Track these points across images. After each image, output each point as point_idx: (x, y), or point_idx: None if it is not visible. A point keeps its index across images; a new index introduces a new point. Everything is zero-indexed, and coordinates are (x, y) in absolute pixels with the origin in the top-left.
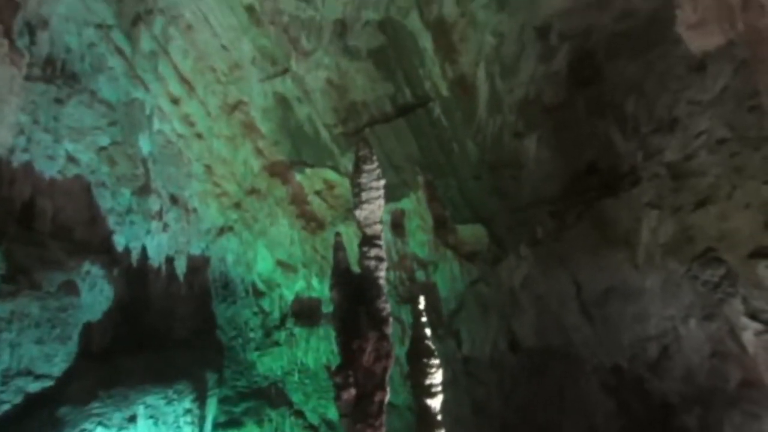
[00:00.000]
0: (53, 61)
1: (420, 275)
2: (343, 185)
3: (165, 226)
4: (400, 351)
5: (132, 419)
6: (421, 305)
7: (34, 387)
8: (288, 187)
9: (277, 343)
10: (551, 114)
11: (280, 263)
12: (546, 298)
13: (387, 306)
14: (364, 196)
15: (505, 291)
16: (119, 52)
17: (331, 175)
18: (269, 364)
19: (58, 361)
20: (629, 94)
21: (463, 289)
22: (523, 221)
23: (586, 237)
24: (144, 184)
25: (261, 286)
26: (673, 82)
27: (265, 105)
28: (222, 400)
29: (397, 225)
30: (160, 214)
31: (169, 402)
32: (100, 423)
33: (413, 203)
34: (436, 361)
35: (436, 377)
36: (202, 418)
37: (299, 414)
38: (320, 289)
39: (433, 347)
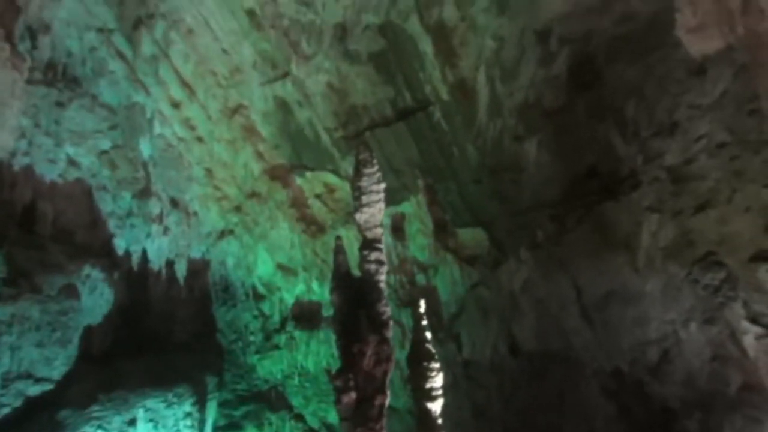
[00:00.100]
0: (54, 65)
1: (420, 279)
2: (344, 189)
3: (165, 230)
4: (400, 354)
5: (132, 423)
6: (422, 309)
7: (34, 390)
8: (288, 191)
9: (277, 347)
10: (551, 118)
11: (280, 266)
12: (546, 302)
13: (387, 309)
14: (365, 199)
15: (506, 294)
16: (120, 56)
17: (331, 178)
18: (269, 368)
19: (58, 364)
20: (629, 97)
21: (464, 293)
22: (524, 225)
23: (586, 241)
24: (144, 187)
25: (261, 289)
26: (673, 86)
27: (266, 109)
28: (222, 404)
29: (398, 228)
30: (160, 218)
31: (169, 405)
32: (100, 426)
33: (413, 207)
34: (437, 365)
35: (437, 381)
36: (202, 422)
37: (299, 417)
38: (320, 292)
39: (433, 351)
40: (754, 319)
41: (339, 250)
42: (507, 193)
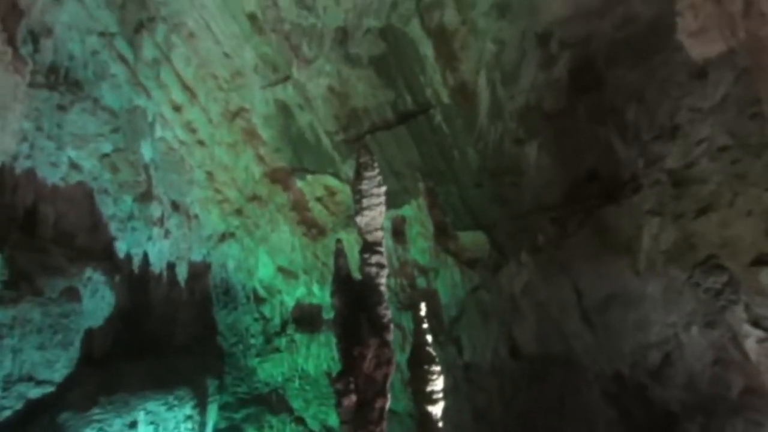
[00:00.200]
0: (56, 69)
1: (421, 282)
2: (344, 192)
3: (166, 233)
4: (401, 358)
5: (133, 425)
6: (422, 312)
7: (35, 393)
8: (289, 194)
9: (277, 350)
10: (552, 121)
11: (281, 269)
12: (547, 305)
13: (388, 313)
14: (365, 202)
15: (506, 298)
16: (122, 59)
17: (332, 181)
18: (270, 371)
19: (59, 367)
20: (630, 101)
21: (464, 296)
22: (524, 228)
23: (587, 244)
24: (146, 190)
25: (262, 292)
26: (674, 90)
27: (267, 112)
28: (222, 407)
29: (398, 232)
30: (161, 221)
31: (170, 408)
32: (101, 429)
33: (414, 210)
34: (437, 368)
35: (437, 384)
36: (202, 425)
37: (300, 420)
38: (321, 295)
39: (433, 354)
40: (755, 323)
41: (339, 253)
42: (508, 197)
